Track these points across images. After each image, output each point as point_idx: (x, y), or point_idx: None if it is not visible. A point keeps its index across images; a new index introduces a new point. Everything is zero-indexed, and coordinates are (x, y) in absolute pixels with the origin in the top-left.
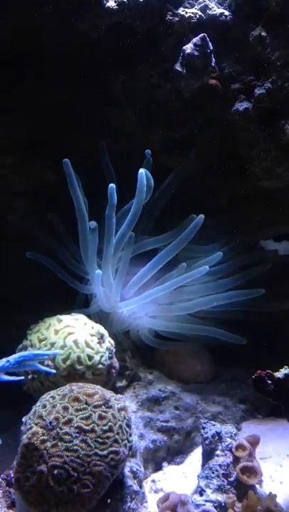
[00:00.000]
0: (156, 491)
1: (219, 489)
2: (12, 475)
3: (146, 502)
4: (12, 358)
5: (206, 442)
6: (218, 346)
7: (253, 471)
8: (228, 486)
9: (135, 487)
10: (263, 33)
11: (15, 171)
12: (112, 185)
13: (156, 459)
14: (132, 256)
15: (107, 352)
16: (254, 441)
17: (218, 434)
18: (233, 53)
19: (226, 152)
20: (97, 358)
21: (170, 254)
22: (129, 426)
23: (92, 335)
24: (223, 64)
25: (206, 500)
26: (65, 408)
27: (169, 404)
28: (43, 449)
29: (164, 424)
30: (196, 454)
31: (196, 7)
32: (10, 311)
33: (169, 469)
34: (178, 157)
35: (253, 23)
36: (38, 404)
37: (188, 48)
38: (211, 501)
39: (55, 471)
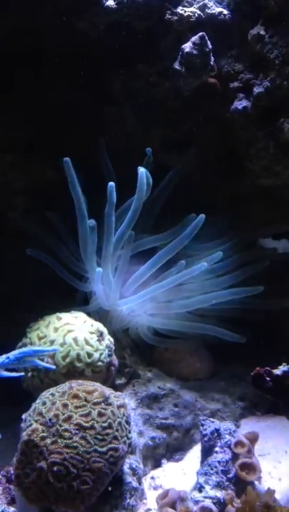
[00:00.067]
0: (155, 488)
1: (218, 485)
2: (12, 472)
3: (146, 498)
4: (12, 354)
5: (205, 439)
6: (217, 344)
7: (251, 468)
8: (227, 483)
9: (134, 484)
10: (262, 32)
11: (15, 169)
12: (112, 183)
13: (156, 455)
14: (132, 254)
15: (107, 349)
16: (253, 438)
17: (217, 430)
18: (231, 52)
19: (224, 150)
20: (96, 355)
21: (169, 253)
22: (128, 423)
23: (91, 332)
24: (222, 63)
25: (205, 497)
26: (65, 405)
27: (168, 401)
28: (43, 445)
29: (163, 421)
30: (195, 451)
31: (194, 6)
32: (9, 308)
33: (168, 466)
34: (177, 156)
35: (251, 22)
36: (37, 401)
37: (187, 46)
38: (210, 497)
39: (55, 468)
